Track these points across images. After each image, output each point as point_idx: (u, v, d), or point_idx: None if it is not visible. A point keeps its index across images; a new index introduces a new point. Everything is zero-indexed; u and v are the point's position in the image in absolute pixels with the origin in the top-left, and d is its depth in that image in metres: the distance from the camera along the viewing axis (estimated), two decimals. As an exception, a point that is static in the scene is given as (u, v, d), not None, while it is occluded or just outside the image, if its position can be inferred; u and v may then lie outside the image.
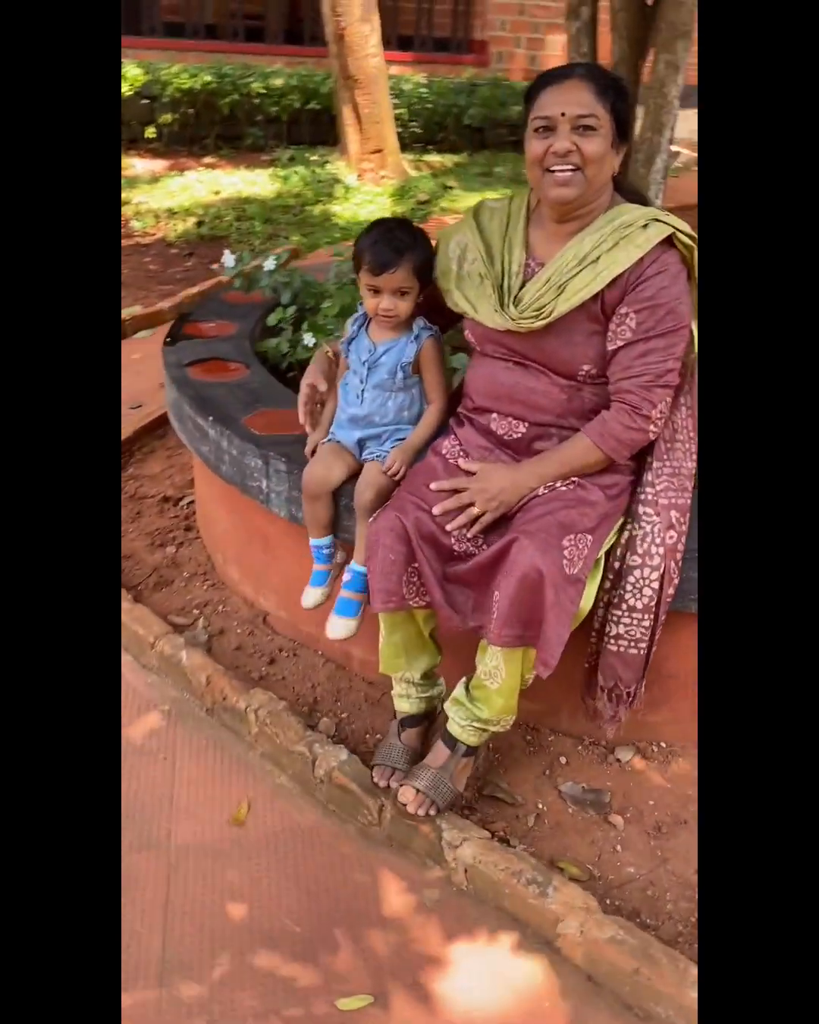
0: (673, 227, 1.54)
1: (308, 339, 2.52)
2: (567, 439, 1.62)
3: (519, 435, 1.68)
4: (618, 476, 1.63)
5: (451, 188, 6.98)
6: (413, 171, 7.36)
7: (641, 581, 1.60)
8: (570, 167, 1.50)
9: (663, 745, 1.97)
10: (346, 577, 1.81)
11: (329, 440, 1.88)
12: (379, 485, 1.75)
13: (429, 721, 1.87)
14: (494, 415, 1.71)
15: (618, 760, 1.93)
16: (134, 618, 2.27)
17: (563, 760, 1.92)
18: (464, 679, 1.72)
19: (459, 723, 1.70)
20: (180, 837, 1.78)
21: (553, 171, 1.51)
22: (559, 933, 1.53)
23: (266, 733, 1.95)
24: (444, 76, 8.97)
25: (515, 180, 7.14)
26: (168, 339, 2.60)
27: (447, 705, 1.73)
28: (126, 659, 2.26)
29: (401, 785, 1.70)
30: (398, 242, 1.70)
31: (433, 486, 1.64)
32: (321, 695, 2.11)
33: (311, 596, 1.92)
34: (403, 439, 1.81)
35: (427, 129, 8.18)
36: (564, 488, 1.59)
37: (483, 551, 1.58)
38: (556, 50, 9.77)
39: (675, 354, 1.56)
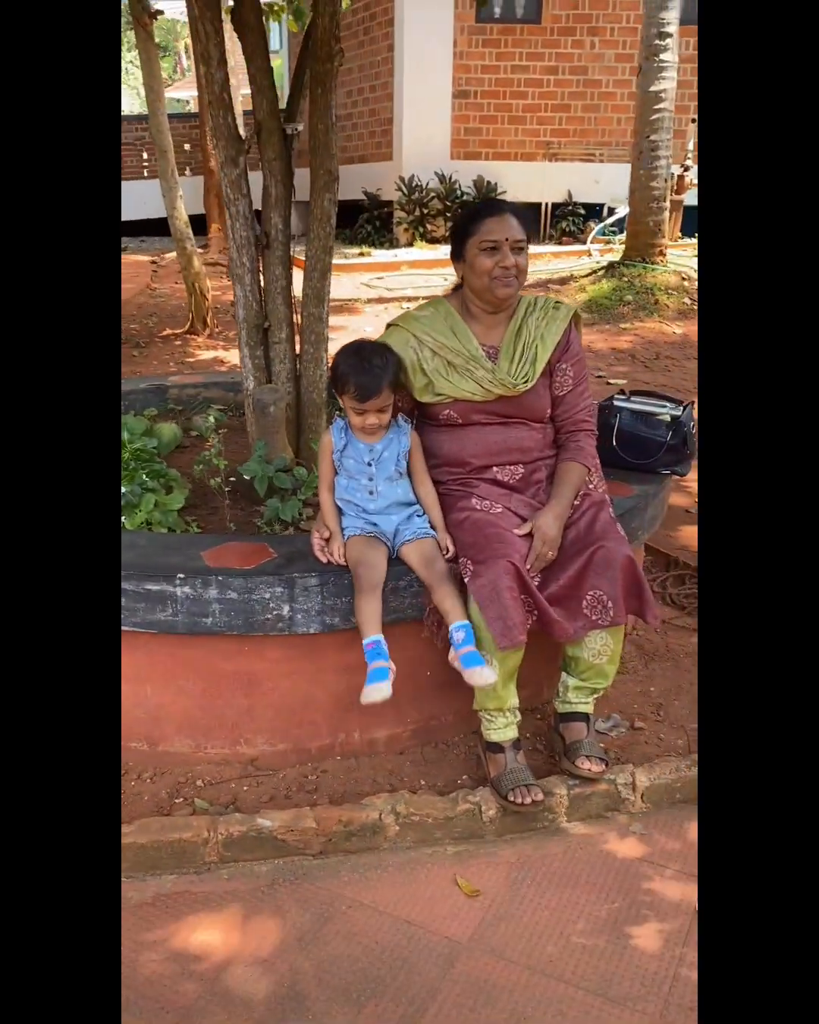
0: (567, 307, 2.25)
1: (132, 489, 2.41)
2: (552, 468, 2.20)
3: (520, 476, 2.18)
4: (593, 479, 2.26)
5: None
6: None
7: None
8: (514, 277, 2.09)
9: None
10: (459, 636, 2.00)
11: (356, 534, 2.05)
12: (439, 554, 2.05)
13: None
14: (494, 468, 2.17)
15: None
16: (151, 835, 1.95)
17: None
18: (564, 676, 2.17)
19: (584, 701, 2.15)
20: (459, 931, 1.80)
21: (499, 278, 2.08)
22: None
23: (410, 823, 2.02)
24: None
25: None
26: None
27: (571, 696, 2.15)
28: (177, 884, 1.93)
29: (577, 760, 2.06)
30: (375, 370, 2.01)
31: (529, 563, 2.03)
32: (389, 777, 2.20)
33: (381, 690, 2.01)
34: (415, 513, 2.12)
35: None
36: (578, 501, 2.17)
37: (567, 573, 2.05)
38: None
39: (589, 391, 2.29)
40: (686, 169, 8.96)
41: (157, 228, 12.01)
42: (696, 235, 8.93)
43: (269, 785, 2.17)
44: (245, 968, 1.72)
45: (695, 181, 8.87)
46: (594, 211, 9.73)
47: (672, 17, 6.53)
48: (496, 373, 2.14)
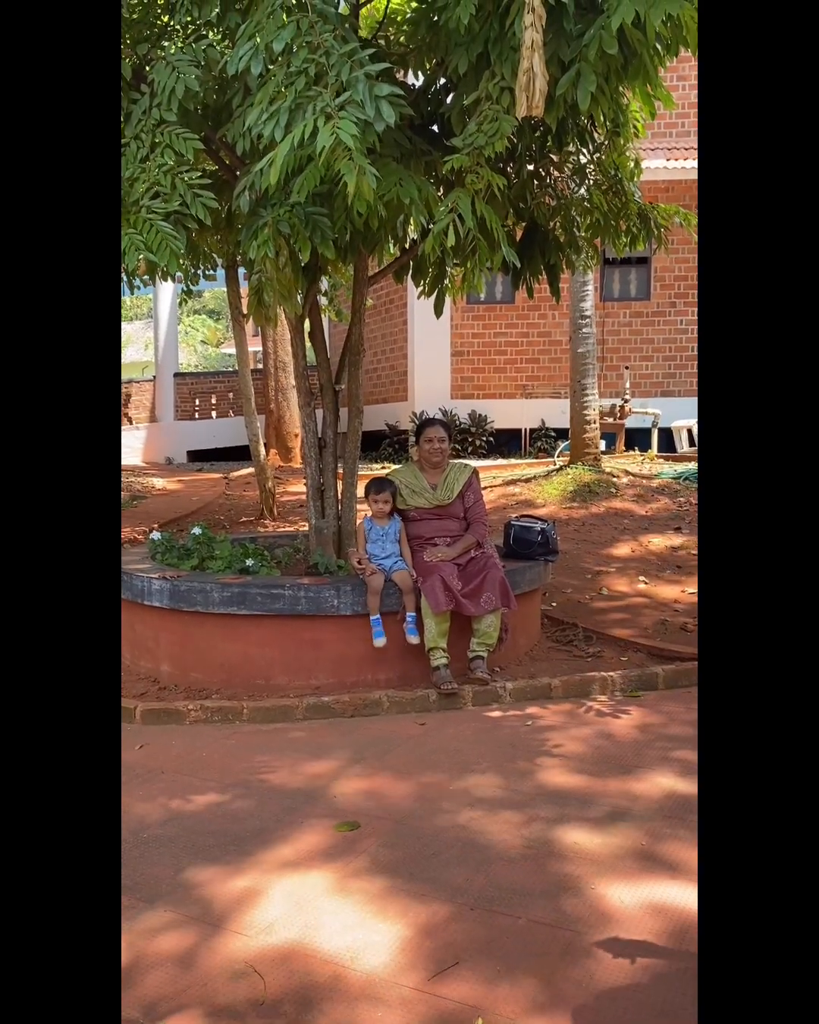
0: (470, 467, 4.75)
1: (250, 562, 4.81)
2: (459, 538, 4.59)
3: (448, 543, 4.56)
4: (485, 543, 4.64)
5: None
6: None
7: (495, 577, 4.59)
8: (439, 454, 4.62)
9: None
10: (408, 622, 4.31)
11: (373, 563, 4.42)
12: (411, 579, 4.39)
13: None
14: (436, 539, 4.56)
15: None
16: (273, 702, 4.14)
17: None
18: (472, 639, 4.40)
19: (482, 653, 4.38)
20: (416, 734, 3.93)
21: (432, 454, 4.60)
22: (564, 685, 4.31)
23: (394, 701, 4.19)
24: None
25: None
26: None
27: (475, 648, 4.38)
28: (283, 725, 4.11)
29: (472, 677, 4.25)
30: (384, 483, 4.51)
31: (438, 559, 4.39)
32: (383, 684, 4.37)
33: (381, 640, 4.31)
34: (400, 559, 4.48)
35: None
36: (476, 553, 4.52)
37: (471, 584, 4.37)
38: None
39: (484, 507, 4.74)
40: (626, 401, 11.67)
41: (219, 456, 15.27)
42: (640, 449, 11.53)
43: (325, 692, 4.36)
44: (318, 754, 3.86)
45: (633, 409, 11.78)
46: (564, 433, 11.80)
47: (589, 304, 9.57)
48: (433, 495, 4.62)
